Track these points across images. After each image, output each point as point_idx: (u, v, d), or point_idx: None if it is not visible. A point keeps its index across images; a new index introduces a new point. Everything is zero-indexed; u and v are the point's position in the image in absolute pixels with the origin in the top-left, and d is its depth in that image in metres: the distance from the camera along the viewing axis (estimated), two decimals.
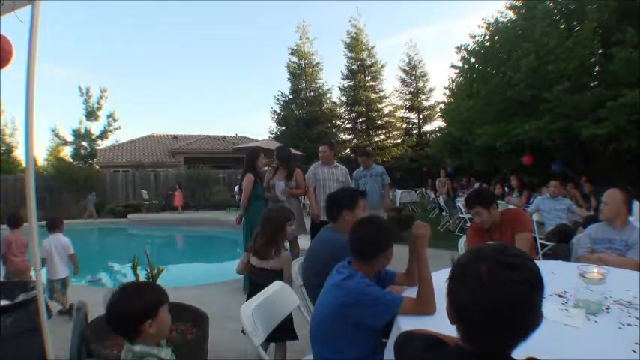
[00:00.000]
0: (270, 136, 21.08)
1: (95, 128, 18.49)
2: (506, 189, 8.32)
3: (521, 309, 0.75)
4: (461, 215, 8.06)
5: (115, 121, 18.89)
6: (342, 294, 1.52)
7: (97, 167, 18.14)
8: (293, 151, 10.01)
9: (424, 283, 1.59)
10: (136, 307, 1.25)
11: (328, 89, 21.81)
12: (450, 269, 0.86)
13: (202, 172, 15.86)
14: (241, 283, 4.38)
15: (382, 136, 21.69)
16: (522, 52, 8.25)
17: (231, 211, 12.81)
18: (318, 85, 21.71)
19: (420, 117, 22.52)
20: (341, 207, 2.23)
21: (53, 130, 18.67)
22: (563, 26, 8.47)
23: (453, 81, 12.78)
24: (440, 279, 1.57)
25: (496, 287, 0.75)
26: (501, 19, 10.21)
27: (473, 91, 9.96)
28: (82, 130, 18.14)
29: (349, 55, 21.68)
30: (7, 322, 2.09)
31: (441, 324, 1.09)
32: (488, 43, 10.07)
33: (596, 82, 8.13)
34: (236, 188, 14.15)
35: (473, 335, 0.81)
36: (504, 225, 2.58)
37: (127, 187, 15.22)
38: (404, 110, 22.46)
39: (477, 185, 10.68)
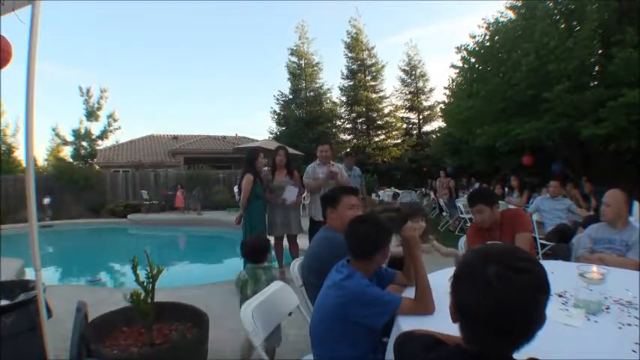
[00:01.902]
0: (270, 136, 21.07)
1: (95, 128, 18.53)
2: (506, 189, 8.33)
3: (527, 313, 0.75)
4: (461, 215, 8.06)
5: (115, 121, 18.92)
6: (341, 294, 1.52)
7: (97, 167, 18.15)
8: (293, 151, 10.02)
9: (421, 284, 1.59)
10: (266, 243, 2.84)
11: (328, 89, 21.81)
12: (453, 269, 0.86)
13: (202, 172, 15.86)
14: None
15: (382, 136, 21.66)
16: (522, 52, 8.25)
17: (232, 211, 12.80)
18: (318, 85, 21.70)
19: (420, 117, 22.49)
20: (324, 205, 2.28)
21: (54, 130, 18.73)
22: (563, 26, 8.46)
23: (453, 81, 12.77)
24: (442, 278, 1.57)
25: (504, 291, 0.74)
26: (501, 19, 10.20)
27: (473, 91, 9.95)
28: (82, 130, 18.18)
29: (349, 55, 21.68)
30: (7, 322, 2.09)
31: (441, 324, 1.09)
32: (488, 43, 10.06)
33: (596, 82, 8.13)
34: (235, 188, 14.19)
35: (475, 336, 0.81)
36: (504, 225, 2.58)
37: (127, 187, 15.23)
38: (404, 110, 22.45)
39: (477, 185, 10.69)
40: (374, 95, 21.50)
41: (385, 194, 12.46)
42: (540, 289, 0.76)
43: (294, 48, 21.55)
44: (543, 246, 4.69)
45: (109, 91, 18.41)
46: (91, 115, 18.22)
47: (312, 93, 21.49)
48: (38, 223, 2.10)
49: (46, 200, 12.82)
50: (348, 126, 22.28)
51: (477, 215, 2.59)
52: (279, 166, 4.56)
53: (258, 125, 73.84)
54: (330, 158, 4.51)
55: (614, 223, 2.64)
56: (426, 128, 22.36)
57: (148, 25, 51.78)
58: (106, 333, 2.33)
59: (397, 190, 12.80)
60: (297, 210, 4.62)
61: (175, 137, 23.74)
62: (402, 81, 22.72)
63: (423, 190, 14.85)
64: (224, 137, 23.54)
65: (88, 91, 18.04)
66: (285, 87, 23.29)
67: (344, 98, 21.91)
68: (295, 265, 2.34)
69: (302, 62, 21.50)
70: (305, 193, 5.91)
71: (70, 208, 13.72)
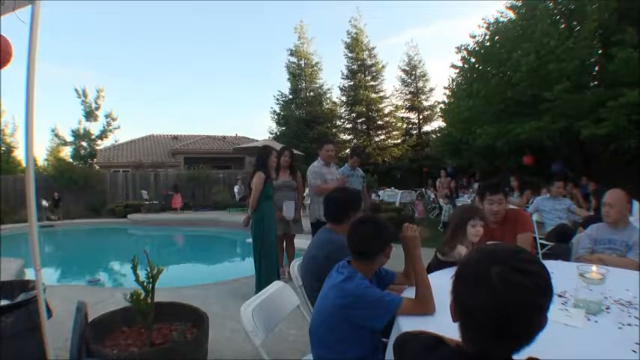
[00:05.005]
0: (270, 136, 21.07)
1: (95, 128, 18.57)
2: (507, 189, 8.32)
3: (529, 316, 0.74)
4: None
5: (113, 120, 18.96)
6: (341, 295, 1.52)
7: (97, 167, 18.16)
8: (295, 151, 9.97)
9: (421, 284, 1.59)
10: None
11: (328, 89, 21.81)
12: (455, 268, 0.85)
13: (202, 172, 15.86)
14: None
15: (382, 136, 21.67)
16: (522, 52, 8.25)
17: (232, 211, 12.80)
18: (317, 85, 21.70)
19: (420, 117, 22.49)
20: (350, 208, 2.21)
21: (53, 131, 18.75)
22: (563, 26, 8.47)
23: (453, 81, 12.78)
24: (442, 278, 1.57)
25: (507, 292, 0.73)
26: (501, 19, 10.22)
27: (473, 91, 9.96)
28: (81, 130, 18.21)
29: (349, 55, 21.67)
30: (7, 322, 2.09)
31: (441, 324, 1.09)
32: (488, 43, 10.07)
33: (596, 82, 8.14)
34: (236, 188, 14.21)
35: (476, 336, 0.80)
36: (507, 225, 2.58)
37: (127, 187, 15.23)
38: (404, 110, 22.44)
39: (476, 185, 10.69)
40: (374, 95, 21.50)
41: (385, 194, 12.45)
42: (544, 291, 0.75)
43: (294, 48, 21.56)
44: (543, 246, 4.68)
45: (109, 91, 18.47)
46: (90, 115, 18.26)
47: (312, 93, 21.49)
48: (38, 223, 2.10)
49: (44, 202, 12.49)
50: (348, 126, 22.29)
51: (495, 205, 2.55)
52: (284, 166, 4.54)
53: (258, 125, 73.88)
54: (333, 158, 4.49)
55: (617, 224, 2.62)
56: (426, 128, 22.38)
57: (147, 26, 51.83)
58: (106, 333, 2.33)
59: (396, 190, 12.75)
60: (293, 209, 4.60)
61: (175, 137, 23.74)
62: (402, 81, 22.72)
63: (423, 190, 14.85)
64: (224, 137, 23.55)
65: (83, 91, 18.09)
66: (285, 87, 23.34)
67: (344, 98, 21.92)
68: (295, 265, 2.34)
69: (302, 62, 21.50)
70: (306, 193, 5.90)
71: (70, 208, 13.72)
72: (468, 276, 0.80)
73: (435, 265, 2.32)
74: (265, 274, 3.95)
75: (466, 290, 0.80)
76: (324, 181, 4.28)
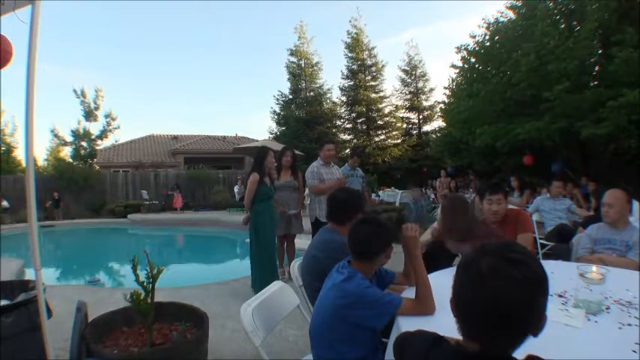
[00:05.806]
0: (270, 136, 21.06)
1: (95, 128, 18.59)
2: (507, 189, 8.31)
3: (520, 307, 0.73)
4: None
5: (113, 120, 18.99)
6: (341, 295, 1.52)
7: (97, 167, 18.17)
8: (295, 151, 9.96)
9: (421, 284, 1.59)
10: None
11: (328, 89, 21.79)
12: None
13: (202, 172, 15.87)
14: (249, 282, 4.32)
15: (382, 136, 21.65)
16: (522, 52, 8.25)
17: (232, 211, 12.80)
18: (318, 85, 21.67)
19: (420, 117, 22.47)
20: (353, 209, 2.20)
21: (52, 131, 18.76)
22: (563, 26, 8.47)
23: (453, 81, 12.77)
24: (442, 278, 1.57)
25: (495, 283, 0.73)
26: (501, 19, 10.22)
27: (473, 91, 9.95)
28: (81, 131, 18.22)
29: (349, 55, 21.66)
30: (7, 322, 2.09)
31: (440, 324, 1.09)
32: (488, 43, 10.07)
33: (596, 82, 8.13)
34: (236, 188, 14.22)
35: (472, 332, 0.80)
36: (506, 224, 2.58)
37: (127, 187, 15.23)
38: (404, 110, 22.42)
39: (472, 183, 10.69)
40: (374, 95, 21.48)
41: (385, 194, 12.45)
42: (534, 282, 0.75)
43: (294, 48, 21.55)
44: (543, 246, 4.68)
45: (109, 92, 18.50)
46: (90, 115, 18.29)
47: (312, 93, 21.47)
48: (38, 223, 2.10)
49: (5, 203, 12.02)
50: (348, 126, 22.26)
51: (494, 205, 2.55)
52: (285, 166, 4.55)
53: (258, 125, 73.94)
54: (333, 157, 4.50)
55: (617, 223, 2.62)
56: (426, 128, 22.34)
57: (147, 26, 51.81)
58: (106, 333, 2.33)
59: (396, 190, 12.72)
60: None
61: (175, 137, 23.74)
62: (402, 81, 22.68)
63: (423, 189, 14.85)
64: (224, 137, 23.56)
65: (82, 92, 18.11)
66: (285, 87, 23.30)
67: (344, 98, 21.89)
68: (295, 266, 2.34)
69: (302, 62, 21.49)
70: (306, 193, 5.90)
71: (70, 208, 13.72)
72: (461, 269, 0.82)
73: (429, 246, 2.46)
74: (262, 274, 3.97)
75: (459, 283, 0.81)
76: (320, 181, 4.30)
